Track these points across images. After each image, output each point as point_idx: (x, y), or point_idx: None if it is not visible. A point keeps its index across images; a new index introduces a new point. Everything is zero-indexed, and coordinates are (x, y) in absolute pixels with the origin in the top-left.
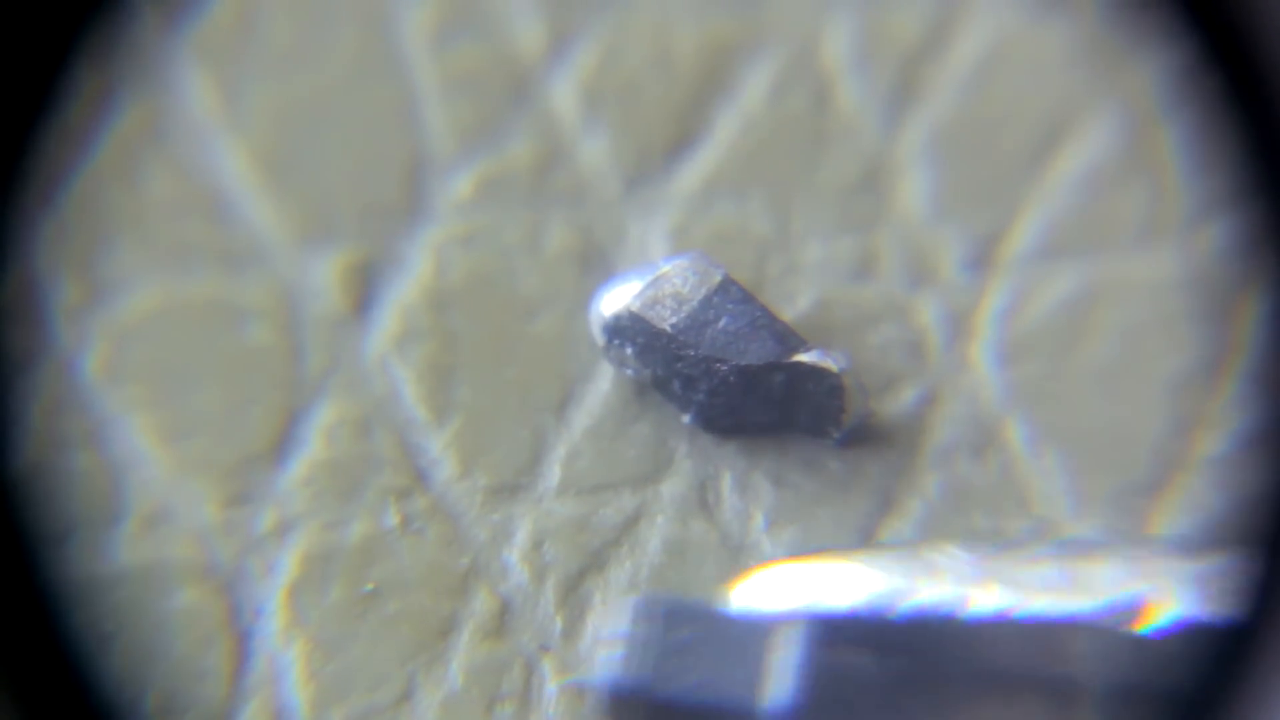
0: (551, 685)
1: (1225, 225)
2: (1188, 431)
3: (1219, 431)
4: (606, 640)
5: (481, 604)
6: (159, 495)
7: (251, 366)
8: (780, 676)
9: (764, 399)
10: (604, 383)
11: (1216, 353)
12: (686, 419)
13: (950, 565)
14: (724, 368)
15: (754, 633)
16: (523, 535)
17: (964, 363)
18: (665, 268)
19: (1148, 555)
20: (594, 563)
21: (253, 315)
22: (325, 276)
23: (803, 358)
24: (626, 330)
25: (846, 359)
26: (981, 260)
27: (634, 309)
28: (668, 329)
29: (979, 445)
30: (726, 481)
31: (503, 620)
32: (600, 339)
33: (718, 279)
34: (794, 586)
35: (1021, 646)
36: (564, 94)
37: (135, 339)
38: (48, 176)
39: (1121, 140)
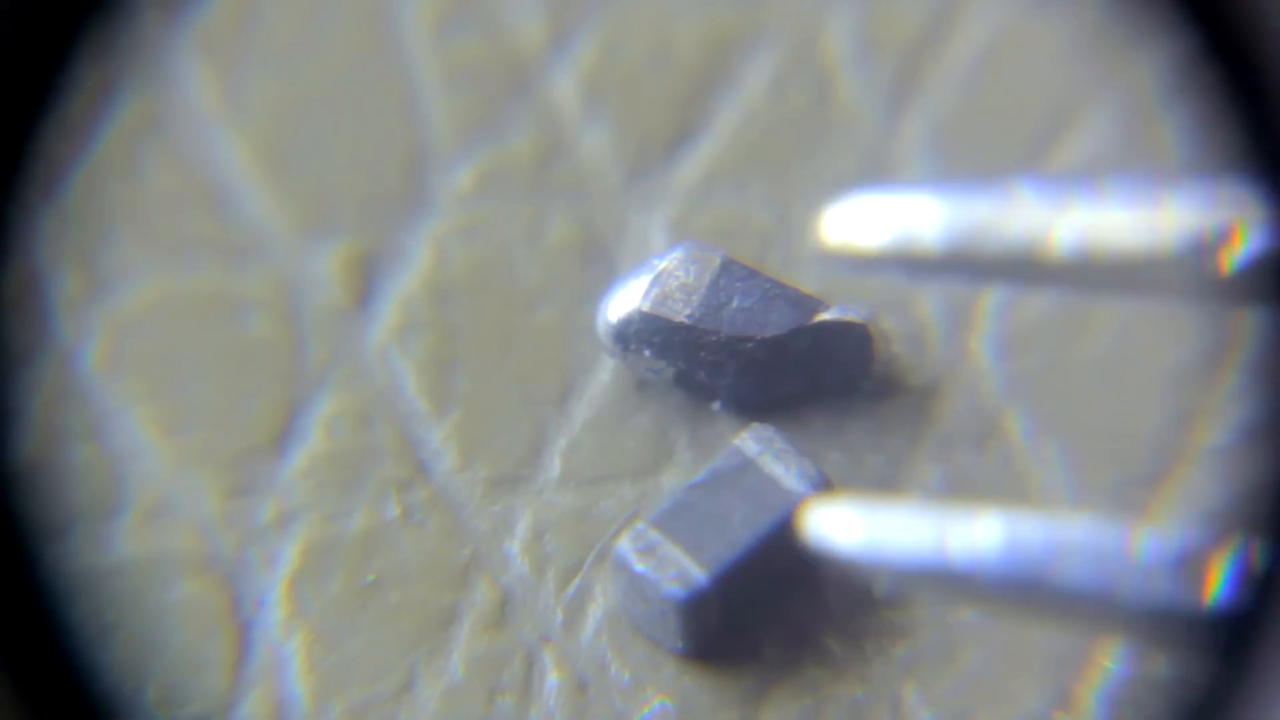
0: (552, 677)
1: None
2: (1187, 423)
3: (1219, 423)
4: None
5: (482, 595)
6: (160, 487)
7: (252, 358)
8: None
9: (792, 366)
10: (604, 374)
11: (1216, 345)
12: (716, 405)
13: (1023, 202)
14: (749, 345)
15: (756, 477)
16: (523, 527)
17: (964, 355)
18: (662, 263)
19: (1219, 191)
20: (595, 554)
21: (253, 307)
22: (326, 268)
23: (825, 316)
24: (641, 332)
25: (867, 308)
26: None
27: (645, 309)
28: (685, 321)
29: (979, 437)
30: None
31: (503, 611)
32: (614, 347)
33: (718, 261)
34: (880, 218)
35: (1103, 276)
36: (565, 86)
37: (136, 331)
38: (49, 169)
39: (1121, 132)
